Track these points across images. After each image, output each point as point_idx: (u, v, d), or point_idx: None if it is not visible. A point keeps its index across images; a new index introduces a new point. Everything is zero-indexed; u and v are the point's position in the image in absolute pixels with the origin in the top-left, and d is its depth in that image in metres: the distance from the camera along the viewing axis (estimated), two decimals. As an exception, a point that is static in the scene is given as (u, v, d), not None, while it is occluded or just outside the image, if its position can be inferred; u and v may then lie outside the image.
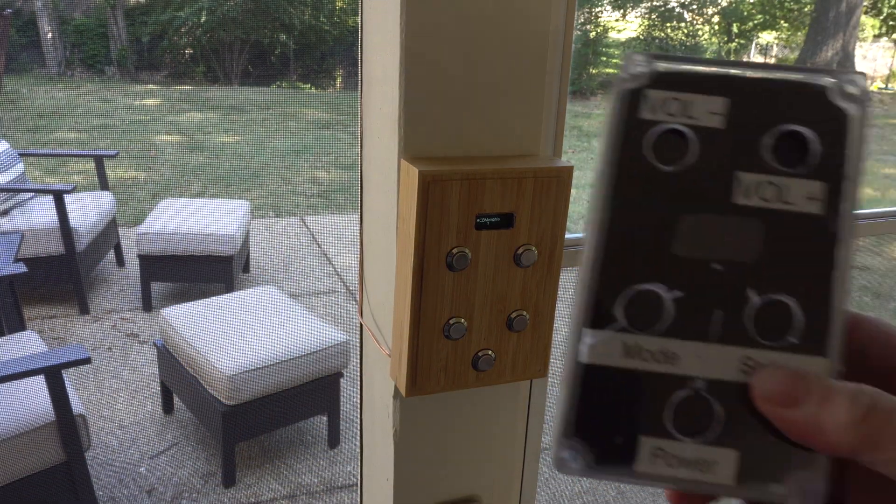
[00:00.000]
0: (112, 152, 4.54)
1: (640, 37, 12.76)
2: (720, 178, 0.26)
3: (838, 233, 0.25)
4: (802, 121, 0.26)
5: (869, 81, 0.28)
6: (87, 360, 2.00)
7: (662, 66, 0.26)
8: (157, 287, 3.98)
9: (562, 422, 0.25)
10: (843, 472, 0.26)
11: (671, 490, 0.27)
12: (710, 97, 0.26)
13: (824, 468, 0.25)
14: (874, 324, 0.28)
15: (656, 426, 0.25)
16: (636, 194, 0.26)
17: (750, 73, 0.26)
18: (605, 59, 12.55)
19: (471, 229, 0.49)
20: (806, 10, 13.23)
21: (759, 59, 14.05)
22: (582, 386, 0.25)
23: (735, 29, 13.13)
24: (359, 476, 0.72)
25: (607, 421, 0.25)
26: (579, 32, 11.73)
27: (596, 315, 0.25)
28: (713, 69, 0.26)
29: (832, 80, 0.27)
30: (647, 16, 12.81)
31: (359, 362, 0.68)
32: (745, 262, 0.25)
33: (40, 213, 3.66)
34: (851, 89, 0.27)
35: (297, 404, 2.61)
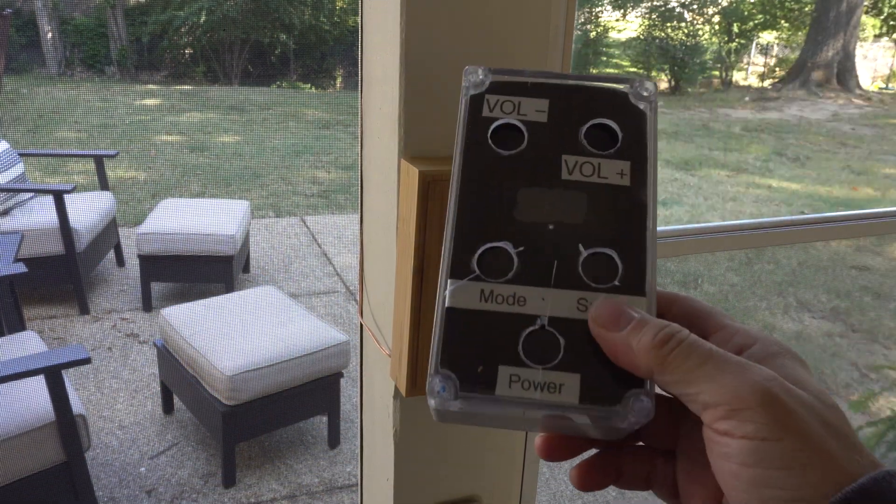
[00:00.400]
0: (112, 152, 4.54)
1: (641, 37, 12.75)
2: (549, 159, 0.32)
3: (644, 199, 0.32)
4: (609, 116, 0.33)
5: (657, 87, 0.35)
6: (87, 361, 2.00)
7: (496, 77, 0.34)
8: (157, 287, 3.98)
9: (433, 357, 0.30)
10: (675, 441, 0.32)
11: (540, 441, 0.32)
12: (535, 99, 0.33)
13: (651, 390, 0.29)
14: (687, 300, 0.34)
15: (511, 356, 0.30)
16: (483, 174, 0.32)
17: (567, 82, 0.34)
18: (605, 59, 12.55)
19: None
20: (806, 9, 13.22)
21: (759, 59, 14.04)
22: (447, 326, 0.30)
23: (735, 29, 13.12)
24: (359, 476, 0.72)
25: (470, 354, 0.30)
26: (579, 32, 11.72)
27: (455, 268, 0.31)
28: (537, 79, 0.34)
29: (629, 86, 0.34)
30: (647, 16, 12.80)
31: (359, 362, 0.68)
32: (575, 224, 0.31)
33: (40, 213, 3.66)
34: (644, 93, 0.34)
35: (297, 404, 2.61)
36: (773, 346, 0.30)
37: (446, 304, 0.30)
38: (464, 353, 0.30)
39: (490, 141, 0.32)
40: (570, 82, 0.34)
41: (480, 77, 0.34)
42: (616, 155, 0.32)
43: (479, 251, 0.31)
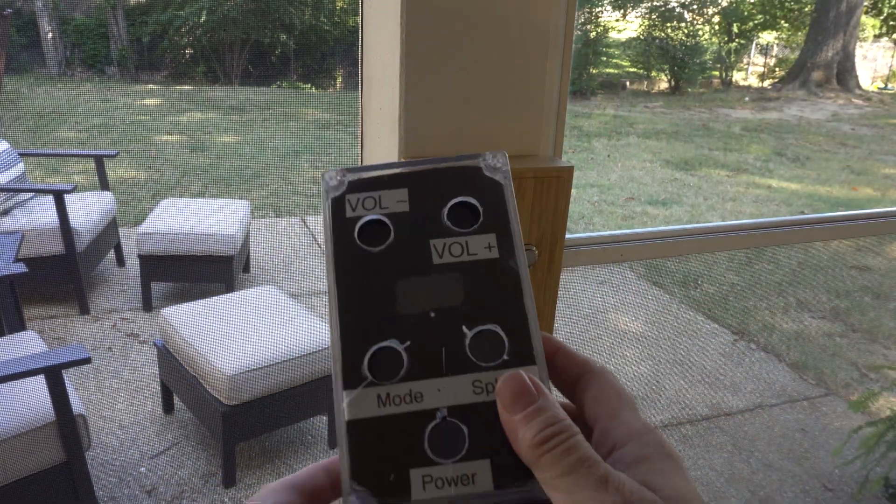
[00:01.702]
0: (112, 152, 4.54)
1: (641, 37, 12.75)
2: (418, 247, 0.32)
3: (515, 266, 0.32)
4: (466, 192, 0.33)
5: (506, 156, 0.35)
6: (87, 360, 2.00)
7: (352, 176, 0.34)
8: (157, 287, 3.98)
9: (343, 474, 0.29)
10: None
11: None
12: (394, 190, 0.33)
13: None
14: (559, 344, 0.34)
15: (419, 457, 0.29)
16: (357, 275, 0.31)
17: (421, 168, 0.34)
18: (605, 59, 12.55)
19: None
20: (806, 10, 13.22)
21: (759, 59, 14.05)
22: (351, 440, 0.29)
23: (735, 29, 13.12)
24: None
25: (379, 464, 0.29)
26: (579, 32, 11.72)
27: (348, 376, 0.30)
28: (392, 171, 0.34)
29: (481, 160, 0.34)
30: (647, 16, 12.80)
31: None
32: (455, 306, 0.31)
33: (40, 213, 3.66)
34: (496, 164, 0.34)
35: (298, 404, 2.61)
36: (646, 448, 0.29)
37: (346, 418, 0.29)
38: (373, 464, 0.29)
39: (358, 240, 0.32)
40: (425, 167, 0.34)
41: (338, 179, 0.33)
42: (480, 229, 0.32)
43: (368, 355, 0.30)
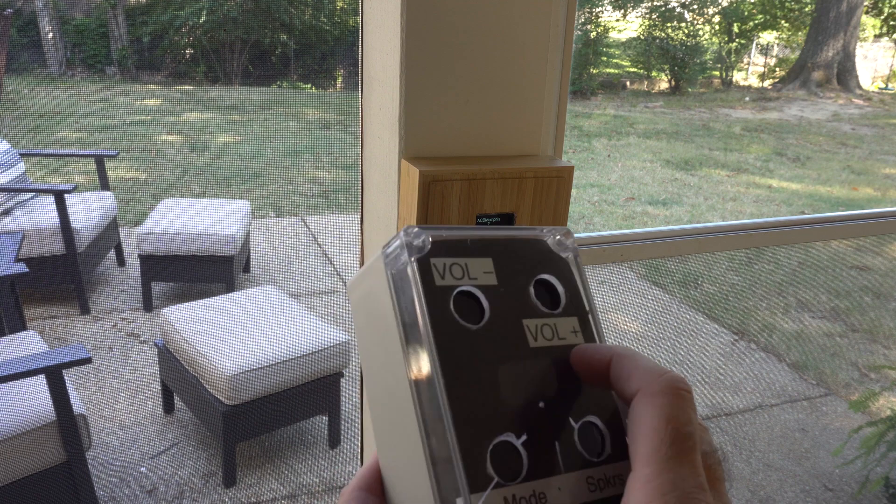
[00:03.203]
0: (113, 152, 4.54)
1: (641, 37, 12.75)
2: (514, 328, 0.29)
3: None
4: (545, 270, 0.31)
5: (572, 234, 0.33)
6: (87, 360, 2.00)
7: (434, 234, 0.29)
8: (157, 287, 3.98)
9: None
10: None
11: None
12: (479, 259, 0.30)
13: None
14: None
15: None
16: (460, 356, 0.28)
17: (498, 234, 0.31)
18: (605, 59, 12.55)
19: (471, 229, 0.49)
20: (807, 9, 13.22)
21: (759, 59, 14.04)
22: None
23: (736, 29, 13.12)
24: (359, 475, 0.72)
25: None
26: (579, 32, 11.72)
27: (472, 476, 0.26)
28: (471, 234, 0.31)
29: (548, 236, 0.32)
30: (647, 16, 12.80)
31: (359, 362, 0.68)
32: (557, 396, 0.29)
33: (41, 213, 3.66)
34: (565, 243, 0.32)
35: (298, 404, 2.61)
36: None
37: None
38: None
39: (456, 314, 0.28)
40: (502, 236, 0.31)
41: (422, 238, 0.29)
42: (564, 312, 0.31)
43: (490, 451, 0.27)
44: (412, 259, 0.28)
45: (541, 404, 0.28)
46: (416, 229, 0.29)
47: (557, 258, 0.32)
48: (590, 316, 0.31)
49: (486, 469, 0.27)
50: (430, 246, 0.29)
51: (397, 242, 0.29)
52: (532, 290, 0.31)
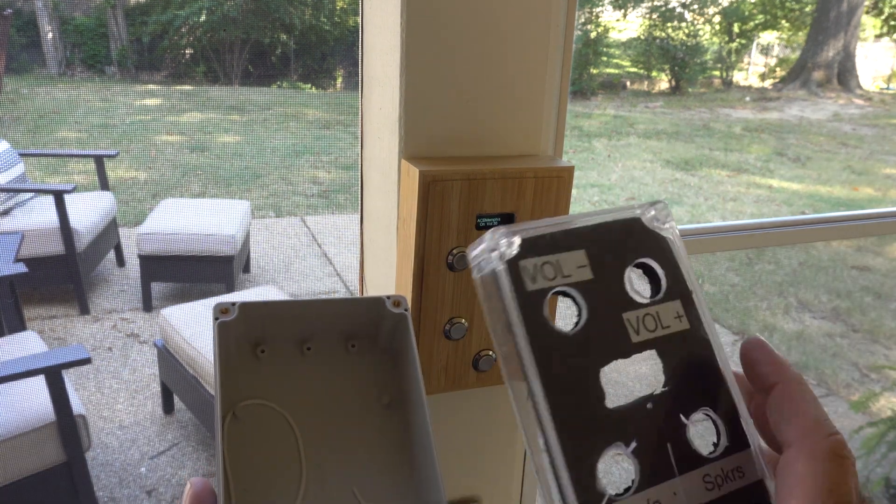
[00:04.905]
0: (112, 152, 4.54)
1: (641, 37, 12.75)
2: (614, 324, 0.27)
3: (708, 338, 0.29)
4: (641, 252, 0.29)
5: (667, 206, 0.31)
6: (87, 361, 1.99)
7: (523, 233, 0.27)
8: (157, 287, 3.98)
9: None
10: None
11: None
12: (570, 253, 0.28)
13: None
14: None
15: None
16: (559, 365, 0.26)
17: (585, 223, 0.29)
18: (605, 59, 12.55)
19: (471, 229, 0.49)
20: (807, 9, 13.22)
21: (760, 59, 14.04)
22: None
23: (736, 29, 13.12)
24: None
25: None
26: (580, 32, 11.72)
27: (582, 494, 0.25)
28: (559, 227, 0.28)
29: (641, 213, 0.30)
30: (647, 16, 12.80)
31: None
32: (665, 392, 0.27)
33: (41, 213, 3.66)
34: (659, 216, 0.30)
35: (298, 404, 2.61)
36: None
37: None
38: None
39: (549, 321, 0.27)
40: (590, 223, 0.29)
41: (509, 238, 0.27)
42: (665, 297, 0.29)
43: (602, 465, 0.26)
44: (501, 266, 0.27)
45: (648, 405, 0.27)
46: (503, 230, 0.27)
47: (655, 236, 0.30)
48: (694, 297, 0.29)
49: (597, 484, 0.25)
50: (519, 246, 0.27)
51: (482, 246, 0.27)
52: (630, 277, 0.29)
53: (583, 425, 0.26)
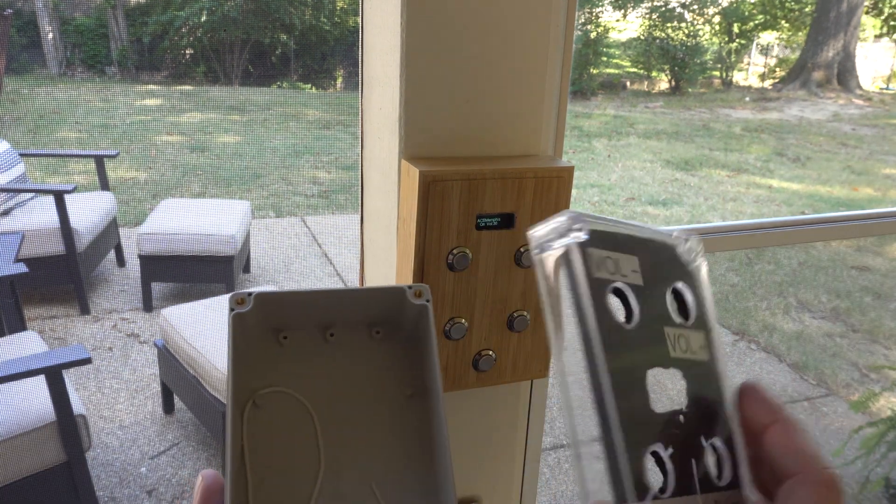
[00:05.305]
0: (113, 152, 4.54)
1: (641, 37, 12.75)
2: (658, 334, 0.28)
3: (722, 372, 0.29)
4: (678, 277, 0.29)
5: (699, 242, 0.31)
6: (87, 361, 2.00)
7: (594, 225, 0.28)
8: (157, 287, 3.98)
9: None
10: None
11: None
12: (628, 256, 0.28)
13: None
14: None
15: None
16: (619, 353, 0.26)
17: (643, 235, 0.29)
18: (605, 59, 12.55)
19: (471, 229, 0.49)
20: (807, 10, 13.22)
21: (760, 59, 14.04)
22: None
23: (736, 29, 13.12)
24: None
25: None
26: (580, 32, 11.72)
27: (636, 485, 0.25)
28: (619, 230, 0.29)
29: (678, 243, 0.30)
30: (647, 16, 12.80)
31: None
32: (690, 411, 0.28)
33: (41, 214, 3.66)
34: (694, 249, 0.31)
35: (298, 404, 2.61)
36: None
37: None
38: None
39: (612, 310, 0.27)
40: (646, 236, 0.30)
41: (579, 224, 0.27)
42: (695, 325, 0.29)
43: (647, 461, 0.26)
44: (576, 246, 0.27)
45: (681, 418, 0.27)
46: (577, 214, 0.28)
47: (689, 267, 0.30)
48: (713, 334, 0.30)
49: (645, 479, 0.25)
50: (588, 234, 0.27)
51: (551, 227, 0.27)
52: (669, 297, 0.29)
53: (638, 419, 0.26)
